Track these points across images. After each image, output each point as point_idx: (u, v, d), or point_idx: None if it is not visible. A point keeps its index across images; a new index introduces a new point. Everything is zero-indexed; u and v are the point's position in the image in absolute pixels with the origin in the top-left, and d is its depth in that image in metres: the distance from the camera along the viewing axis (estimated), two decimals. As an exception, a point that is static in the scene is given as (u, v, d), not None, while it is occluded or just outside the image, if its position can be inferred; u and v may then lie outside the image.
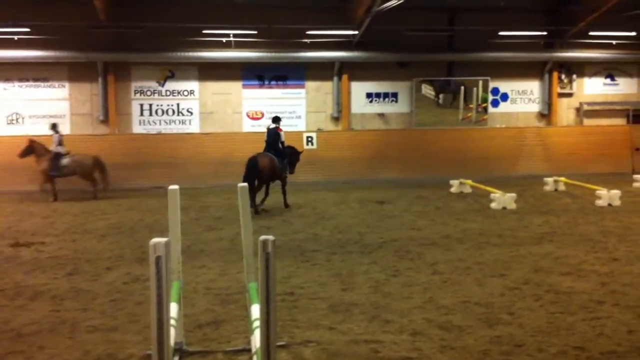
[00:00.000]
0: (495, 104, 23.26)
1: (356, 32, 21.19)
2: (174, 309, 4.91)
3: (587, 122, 23.62)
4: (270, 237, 3.78)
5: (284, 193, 16.04)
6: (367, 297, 8.50)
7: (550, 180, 18.67)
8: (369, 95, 22.82)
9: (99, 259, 10.74)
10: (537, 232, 12.74)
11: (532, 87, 23.53)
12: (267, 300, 3.80)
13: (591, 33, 22.32)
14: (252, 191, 14.46)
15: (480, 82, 22.88)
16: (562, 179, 18.58)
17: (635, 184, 18.87)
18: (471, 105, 22.98)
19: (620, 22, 21.91)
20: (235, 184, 6.13)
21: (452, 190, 18.29)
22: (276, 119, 16.23)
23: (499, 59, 22.59)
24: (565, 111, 23.73)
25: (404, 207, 15.97)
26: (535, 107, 23.42)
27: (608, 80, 24.08)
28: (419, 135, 21.93)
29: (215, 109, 22.63)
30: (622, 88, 24.21)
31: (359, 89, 22.73)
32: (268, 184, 15.71)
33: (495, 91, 23.22)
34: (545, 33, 22.65)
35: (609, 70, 23.99)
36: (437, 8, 21.98)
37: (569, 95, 23.73)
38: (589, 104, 23.71)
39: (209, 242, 12.06)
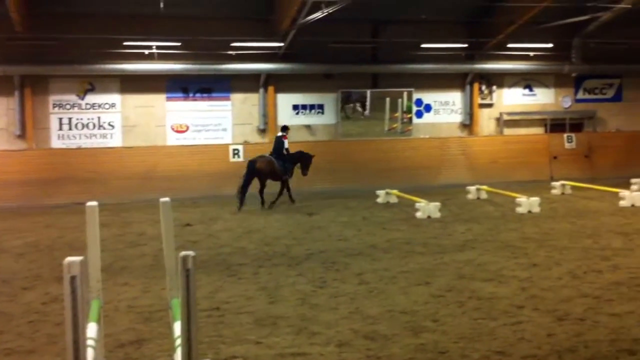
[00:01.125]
0: (419, 114, 23.68)
1: (282, 44, 21.22)
2: (93, 328, 4.73)
3: (507, 131, 24.33)
4: (191, 253, 3.70)
5: (288, 190, 18.20)
6: (294, 310, 8.45)
7: (472, 188, 19.10)
8: (295, 107, 22.85)
9: (16, 278, 10.31)
10: (461, 239, 12.98)
11: (455, 98, 24.08)
12: (188, 317, 3.72)
13: (509, 45, 23.05)
14: (245, 190, 17.41)
15: (405, 94, 23.25)
16: (484, 187, 19.04)
17: (554, 191, 19.51)
18: (396, 115, 23.32)
19: (536, 34, 22.71)
20: (159, 199, 5.98)
21: (379, 200, 18.47)
22: (284, 128, 18.40)
23: (422, 71, 23.05)
24: (486, 121, 24.38)
25: (331, 218, 16.02)
26: (457, 118, 23.97)
27: (526, 91, 24.88)
28: (346, 146, 22.10)
29: (138, 122, 22.19)
30: (539, 98, 25.04)
31: (285, 101, 22.74)
32: (283, 184, 17.96)
33: (418, 102, 23.66)
34: (466, 45, 23.26)
35: (527, 81, 24.79)
36: (362, 20, 22.25)
37: (490, 105, 24.40)
38: (508, 114, 24.44)
39: (132, 259, 11.77)
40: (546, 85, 24.94)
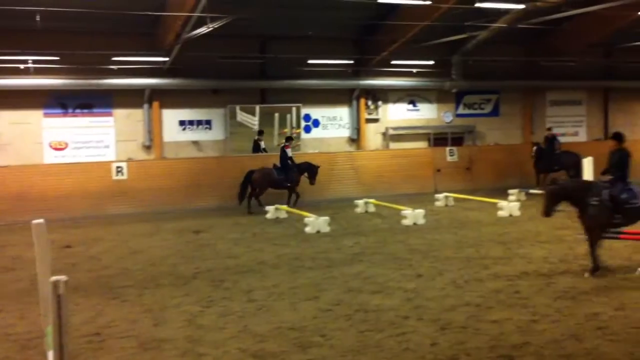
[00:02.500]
0: (307, 129, 23.86)
1: (166, 59, 20.79)
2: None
3: (393, 145, 24.94)
4: (63, 278, 3.46)
5: (290, 196, 19.61)
6: (180, 331, 8.23)
7: (361, 202, 19.38)
8: (182, 122, 22.41)
9: None
10: (349, 253, 13.10)
11: (342, 113, 24.44)
12: (60, 345, 3.47)
13: (393, 62, 23.66)
14: (242, 197, 19.20)
15: (294, 109, 23.36)
16: (372, 200, 19.37)
17: (438, 203, 20.11)
18: (285, 130, 23.38)
19: (419, 51, 23.44)
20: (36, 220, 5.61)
21: (268, 216, 18.38)
22: (288, 139, 20.13)
23: (309, 86, 23.25)
24: (373, 136, 24.88)
25: (220, 235, 15.76)
26: (345, 133, 24.32)
27: (410, 106, 25.62)
28: (235, 162, 21.85)
29: (12, 140, 21.01)
30: (423, 113, 25.84)
31: (171, 117, 22.25)
32: (290, 190, 19.56)
33: (307, 117, 23.83)
34: (352, 62, 23.68)
35: (411, 96, 25.54)
36: (249, 36, 22.17)
37: (376, 120, 24.93)
38: (394, 128, 25.06)
39: (6, 284, 11.09)
40: (429, 101, 25.80)
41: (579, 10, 19.77)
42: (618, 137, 11.06)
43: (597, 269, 10.42)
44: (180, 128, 22.43)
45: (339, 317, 8.63)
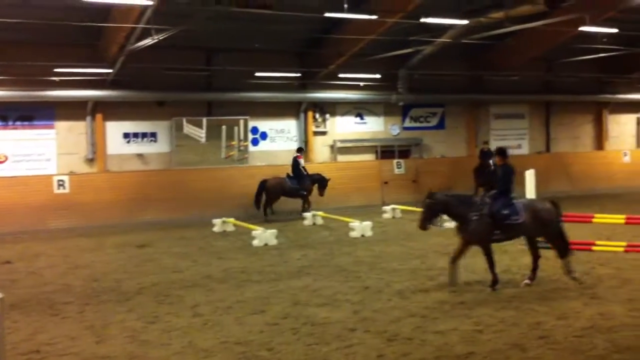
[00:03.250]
0: (255, 142, 23.72)
1: (110, 70, 20.41)
2: None
3: (341, 158, 25.01)
4: (-2, 294, 3.32)
5: (303, 203, 20.63)
6: (123, 348, 8.05)
7: (309, 214, 19.37)
8: (126, 135, 22.00)
9: None
10: (296, 266, 13.06)
11: (290, 125, 24.39)
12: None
13: (341, 75, 23.78)
14: (257, 204, 20.14)
15: (242, 121, 23.21)
16: (320, 213, 19.38)
17: (385, 215, 20.25)
18: (233, 143, 23.22)
19: (366, 65, 23.62)
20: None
21: (215, 229, 18.21)
22: (299, 150, 21.74)
23: (256, 99, 23.15)
24: (320, 148, 24.90)
25: (165, 249, 15.52)
26: (293, 145, 24.28)
27: (358, 119, 25.74)
28: (181, 175, 21.60)
29: (-51, 153, 20.32)
30: (370, 126, 25.99)
31: (115, 129, 21.80)
32: (303, 199, 20.53)
33: (254, 130, 23.69)
34: (299, 74, 23.70)
35: (358, 109, 25.67)
36: (194, 48, 21.97)
37: (324, 133, 24.97)
38: (341, 141, 25.15)
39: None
40: (376, 114, 25.98)
41: (520, 26, 20.23)
42: (502, 153, 11.07)
43: (494, 283, 10.44)
44: (125, 141, 22.01)
45: (286, 331, 8.56)
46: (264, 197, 20.23)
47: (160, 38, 17.77)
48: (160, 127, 22.37)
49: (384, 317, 9.06)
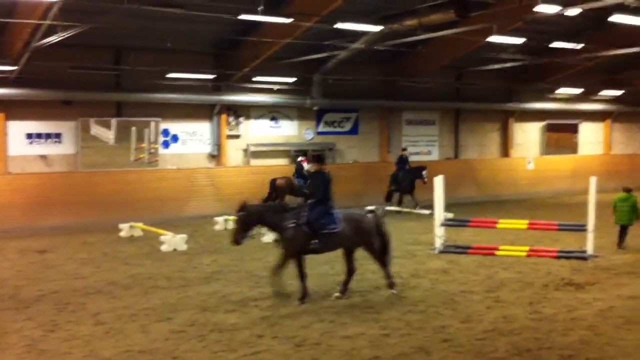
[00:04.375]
0: (166, 145, 23.16)
1: (14, 68, 19.49)
2: None
3: (254, 162, 24.77)
4: None
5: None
6: (20, 358, 7.69)
7: (220, 219, 19.11)
8: (29, 135, 20.98)
9: None
10: (206, 271, 12.84)
11: (203, 128, 23.96)
12: None
13: (255, 78, 23.59)
14: (269, 199, 20.35)
15: (152, 123, 22.64)
16: (232, 217, 19.08)
17: (298, 219, 20.20)
18: (143, 145, 22.62)
19: (280, 68, 23.51)
20: None
21: (122, 234, 17.68)
22: (304, 154, 23.05)
23: (168, 100, 22.61)
24: (234, 152, 24.58)
25: (67, 255, 14.92)
26: (205, 148, 23.88)
27: (272, 123, 25.61)
28: (87, 177, 20.84)
29: None
30: (284, 130, 25.90)
31: (17, 129, 20.74)
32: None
33: (165, 132, 23.15)
34: (213, 76, 23.34)
35: (273, 113, 25.53)
36: (103, 46, 21.25)
37: (237, 137, 24.67)
38: (255, 145, 24.93)
39: None
40: (290, 118, 25.91)
41: (432, 34, 20.67)
42: (318, 159, 10.85)
43: (304, 295, 10.14)
44: (28, 141, 21.03)
45: (192, 338, 8.38)
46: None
47: (68, 35, 17.11)
48: (65, 127, 21.50)
49: (293, 323, 9.00)
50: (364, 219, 10.69)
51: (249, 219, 10.13)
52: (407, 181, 22.95)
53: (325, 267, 13.01)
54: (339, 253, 14.36)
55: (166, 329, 8.83)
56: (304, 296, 10.14)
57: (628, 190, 15.14)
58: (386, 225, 10.93)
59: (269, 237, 17.38)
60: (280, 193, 21.05)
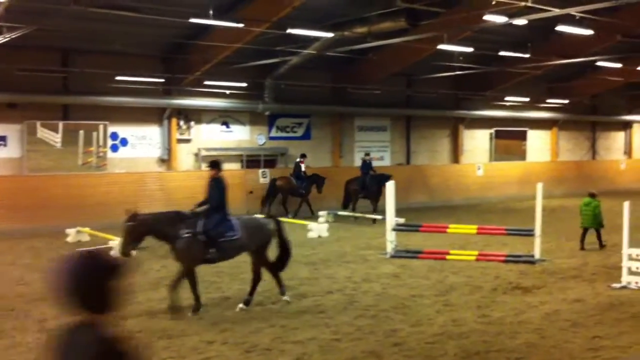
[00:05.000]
0: (114, 148, 22.76)
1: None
2: None
3: (206, 167, 24.52)
4: None
5: (308, 204, 23.06)
6: (-43, 369, 7.39)
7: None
8: (-28, 139, 20.46)
9: None
10: (155, 277, 12.65)
11: (153, 132, 23.64)
12: None
13: (206, 82, 23.40)
14: (266, 200, 22.57)
15: (101, 127, 22.23)
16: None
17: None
18: (91, 149, 22.18)
19: (232, 73, 23.40)
20: None
21: (69, 239, 17.28)
22: (302, 155, 23.78)
23: (117, 104, 22.23)
24: (184, 156, 24.33)
25: (10, 261, 14.50)
26: (155, 152, 23.57)
27: (224, 127, 25.43)
28: (33, 181, 20.31)
29: None
30: (236, 135, 25.74)
31: (-41, 132, 20.24)
32: (303, 198, 22.93)
33: (114, 136, 22.75)
34: (163, 80, 23.08)
35: (224, 117, 25.35)
36: (50, 48, 20.80)
37: (188, 141, 24.42)
38: (206, 149, 24.72)
39: None
40: (242, 123, 25.78)
41: (382, 42, 20.86)
42: (214, 165, 10.37)
43: (197, 307, 9.68)
44: (-31, 144, 20.46)
45: (141, 345, 8.20)
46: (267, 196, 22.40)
47: (13, 36, 16.70)
48: (10, 130, 20.94)
49: (243, 329, 8.92)
50: (265, 224, 10.30)
51: (138, 229, 9.56)
52: (374, 187, 22.60)
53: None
54: (295, 258, 14.37)
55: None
56: (197, 307, 9.66)
57: (592, 195, 15.73)
58: (286, 231, 10.53)
59: (313, 232, 17.51)
60: (283, 192, 22.54)
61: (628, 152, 39.61)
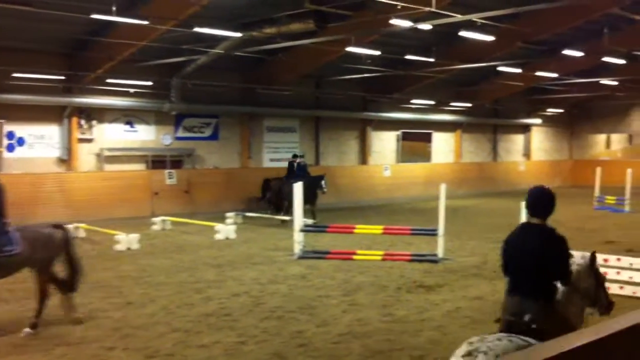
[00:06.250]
0: (10, 148, 21.66)
1: None
2: None
3: (109, 167, 23.77)
4: None
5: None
6: None
7: (70, 227, 18.10)
8: None
9: None
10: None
11: (52, 131, 22.65)
12: None
13: (109, 80, 22.65)
14: (263, 199, 23.41)
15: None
16: (83, 225, 18.27)
17: (154, 227, 19.64)
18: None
19: (137, 71, 22.77)
20: None
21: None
22: (294, 156, 23.94)
23: (14, 101, 21.14)
24: (86, 156, 23.45)
25: None
26: (55, 152, 22.60)
27: (128, 127, 24.71)
28: None
29: None
30: (141, 135, 25.06)
31: None
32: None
33: (10, 135, 21.66)
34: (63, 77, 22.18)
35: (128, 117, 24.61)
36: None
37: (90, 140, 23.56)
38: (109, 149, 23.93)
39: None
40: (147, 122, 25.13)
41: (291, 43, 20.87)
42: None
43: None
44: None
45: (36, 352, 7.83)
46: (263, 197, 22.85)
47: None
48: None
49: (145, 334, 8.65)
50: (49, 234, 9.12)
51: None
52: (308, 191, 21.88)
53: (184, 274, 12.72)
54: (203, 260, 14.14)
55: (7, 343, 8.21)
56: None
57: None
58: (75, 244, 9.58)
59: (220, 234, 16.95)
60: (277, 193, 22.54)
61: (527, 154, 41.32)
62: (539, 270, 4.85)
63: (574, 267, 5.15)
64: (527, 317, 4.76)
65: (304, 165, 23.38)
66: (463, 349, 4.48)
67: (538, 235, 4.95)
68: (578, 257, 5.30)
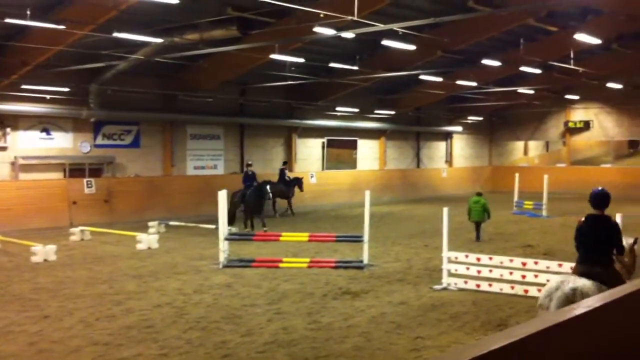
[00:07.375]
0: None
1: None
2: None
3: (23, 176, 22.86)
4: None
5: (289, 206, 26.59)
6: None
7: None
8: None
9: None
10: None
11: (-38, 139, 21.68)
12: None
13: (24, 86, 21.82)
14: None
15: None
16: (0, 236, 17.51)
17: (73, 237, 18.97)
18: None
19: (54, 77, 22.00)
20: None
21: None
22: (284, 163, 28.26)
23: None
24: None
25: None
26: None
27: (44, 134, 23.84)
28: None
29: None
30: (58, 142, 24.20)
31: None
32: (289, 200, 26.58)
33: None
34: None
35: (45, 124, 23.75)
36: None
37: (4, 149, 22.61)
38: (24, 158, 23.03)
39: None
40: (65, 130, 24.30)
41: (214, 49, 20.60)
42: None
43: None
44: None
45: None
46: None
47: None
48: None
49: (62, 348, 8.32)
50: None
51: None
52: (257, 200, 21.01)
53: (103, 286, 12.32)
54: (123, 271, 13.72)
55: None
56: None
57: (479, 194, 18.53)
58: None
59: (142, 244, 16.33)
60: (274, 195, 24.03)
61: (449, 161, 42.28)
62: (606, 244, 6.88)
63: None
64: (597, 270, 6.73)
65: (252, 174, 22.75)
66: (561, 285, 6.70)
67: (603, 221, 6.95)
68: (623, 241, 7.13)
